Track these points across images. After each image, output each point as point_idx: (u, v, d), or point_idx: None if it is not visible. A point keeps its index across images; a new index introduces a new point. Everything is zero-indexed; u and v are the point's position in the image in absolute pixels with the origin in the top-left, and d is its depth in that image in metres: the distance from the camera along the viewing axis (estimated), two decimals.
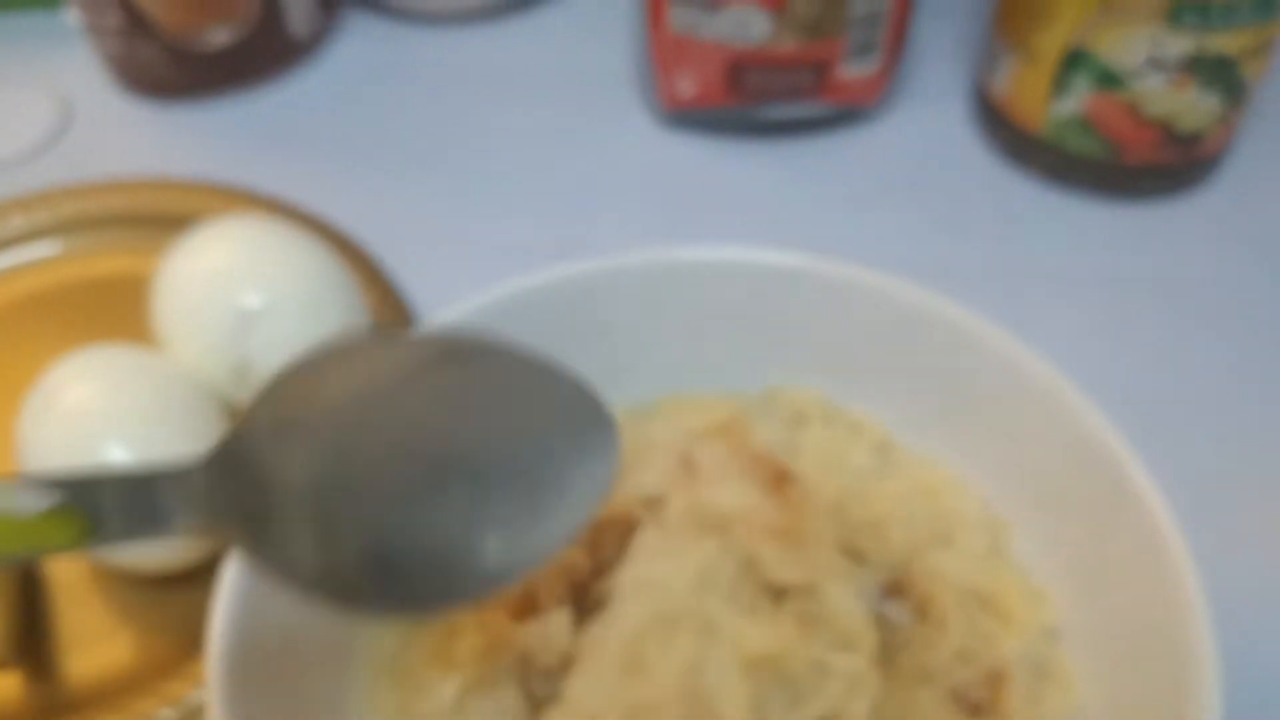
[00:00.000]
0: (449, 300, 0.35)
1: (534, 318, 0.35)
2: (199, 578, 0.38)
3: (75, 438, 0.37)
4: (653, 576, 0.30)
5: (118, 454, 0.36)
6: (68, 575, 0.39)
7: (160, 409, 0.37)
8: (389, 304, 0.46)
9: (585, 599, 0.31)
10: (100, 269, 0.49)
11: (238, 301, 0.39)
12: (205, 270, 0.40)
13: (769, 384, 0.37)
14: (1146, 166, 0.49)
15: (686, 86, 0.51)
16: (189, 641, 0.37)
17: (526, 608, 0.31)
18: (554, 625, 0.30)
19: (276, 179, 0.50)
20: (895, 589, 0.32)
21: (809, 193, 0.52)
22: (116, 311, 0.44)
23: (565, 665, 0.30)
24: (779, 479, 0.31)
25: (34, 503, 0.24)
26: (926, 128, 0.54)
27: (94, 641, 0.38)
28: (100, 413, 0.37)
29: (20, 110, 0.56)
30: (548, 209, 0.52)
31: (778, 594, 0.30)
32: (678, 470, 0.32)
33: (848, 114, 0.54)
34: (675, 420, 0.35)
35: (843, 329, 0.35)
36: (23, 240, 0.49)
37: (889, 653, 0.30)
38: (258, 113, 0.56)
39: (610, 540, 0.32)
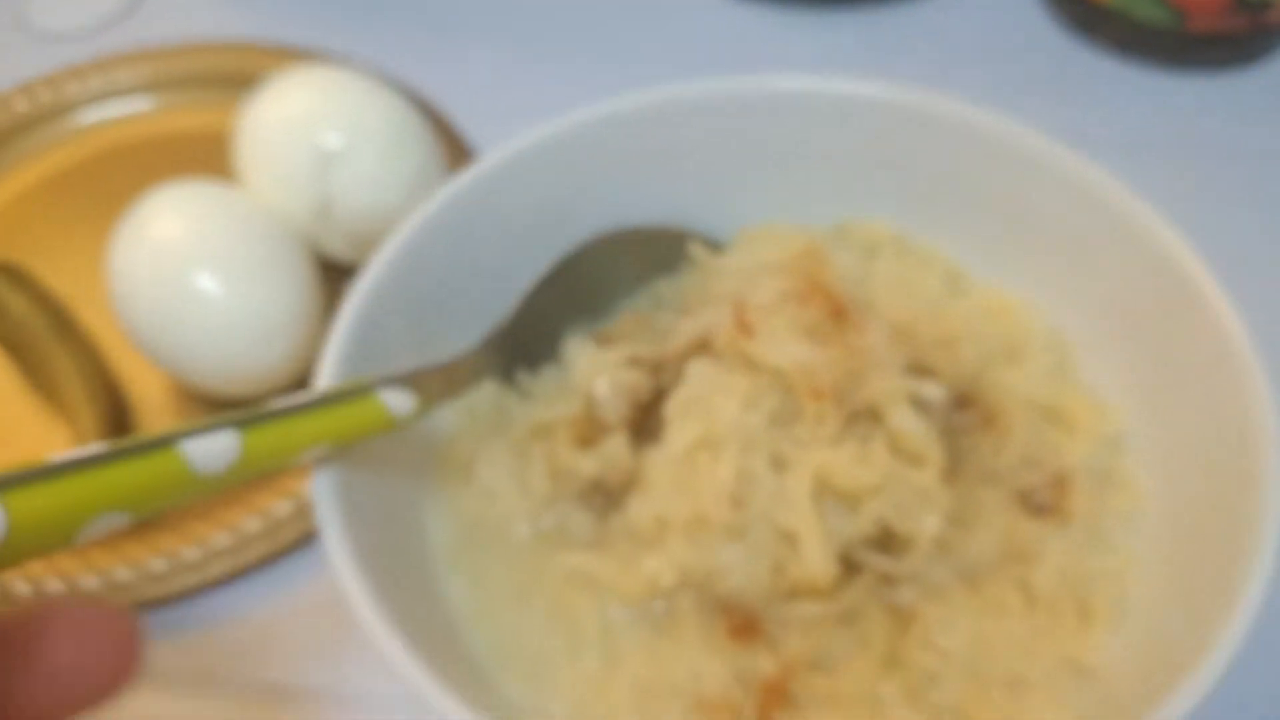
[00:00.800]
0: None
1: (612, 144, 0.36)
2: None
3: (164, 267, 0.38)
4: (700, 397, 0.31)
5: (205, 283, 0.37)
6: (150, 393, 0.41)
7: (245, 241, 0.39)
8: (455, 149, 0.47)
9: (647, 421, 0.32)
10: (181, 124, 0.50)
11: (318, 143, 0.40)
12: (286, 114, 0.41)
13: (842, 218, 0.37)
14: (1213, 35, 0.49)
15: None
16: None
17: (593, 432, 0.32)
18: (614, 447, 0.31)
19: (340, 42, 0.52)
20: (964, 401, 0.33)
21: (877, 63, 0.52)
22: (199, 160, 0.45)
23: (628, 484, 0.31)
24: (837, 313, 0.32)
25: (399, 401, 0.29)
26: None
27: None
28: (188, 243, 0.38)
29: None
30: (609, 75, 0.52)
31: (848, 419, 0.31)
32: (729, 317, 0.32)
33: None
34: (750, 252, 0.36)
35: (916, 159, 0.36)
36: (106, 97, 0.51)
37: (955, 458, 0.31)
38: None
39: (671, 369, 0.33)
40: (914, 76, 0.50)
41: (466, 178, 0.34)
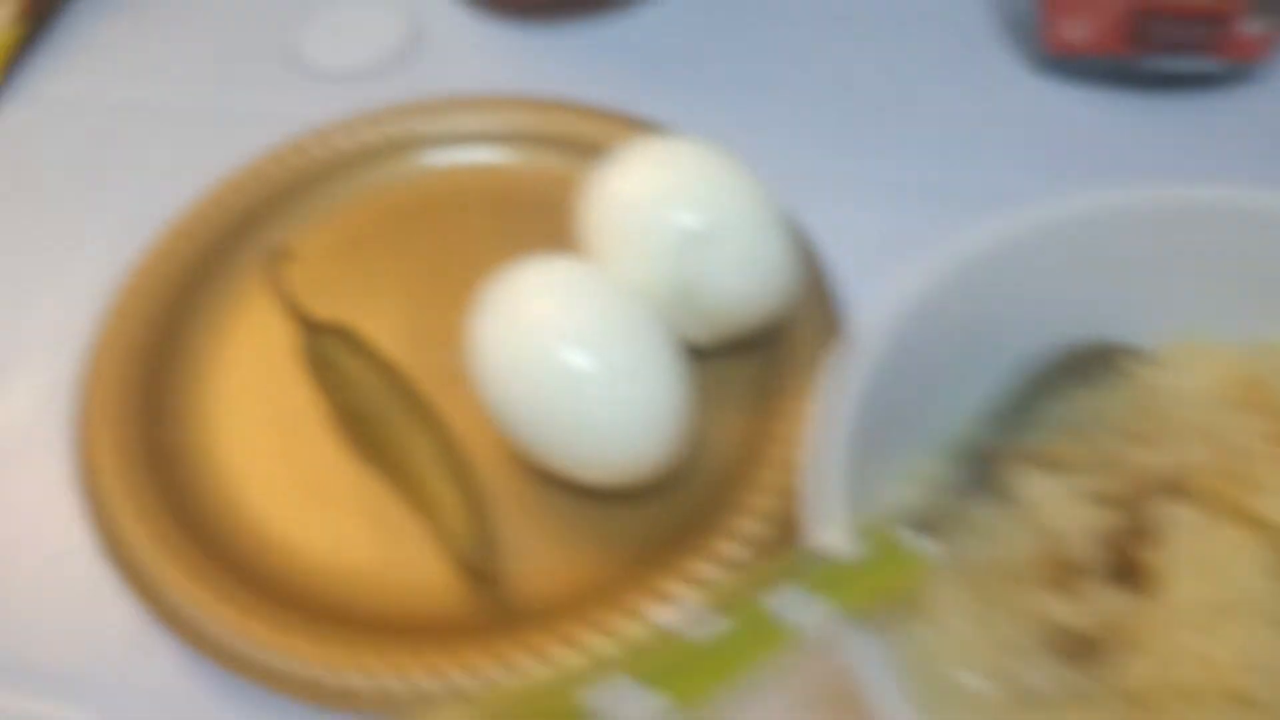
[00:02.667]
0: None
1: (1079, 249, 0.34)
2: (639, 497, 0.38)
3: (537, 344, 0.36)
4: (1206, 554, 0.28)
5: (579, 361, 0.36)
6: (510, 484, 0.39)
7: (622, 322, 0.37)
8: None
9: (1120, 565, 0.30)
10: (509, 180, 0.49)
11: (682, 223, 0.38)
12: (646, 188, 0.39)
13: (1256, 333, 0.35)
14: None
15: (1078, 31, 0.50)
16: (637, 556, 0.37)
17: (1063, 574, 0.30)
18: (1102, 596, 0.29)
19: (627, 102, 0.50)
20: None
21: (1189, 150, 0.50)
22: (530, 225, 0.44)
23: (1110, 636, 0.29)
24: None
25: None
26: None
27: (540, 550, 0.38)
28: (560, 322, 0.36)
29: (369, 25, 0.56)
30: (914, 147, 0.50)
31: None
32: (1209, 452, 0.30)
33: (1233, 72, 0.51)
34: (1191, 373, 0.33)
35: None
36: (424, 146, 0.49)
37: None
38: (604, 36, 0.55)
39: (1146, 506, 0.30)
40: (1229, 169, 0.49)
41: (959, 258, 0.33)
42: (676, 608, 0.35)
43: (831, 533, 0.26)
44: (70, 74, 0.56)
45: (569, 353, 0.36)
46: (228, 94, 0.54)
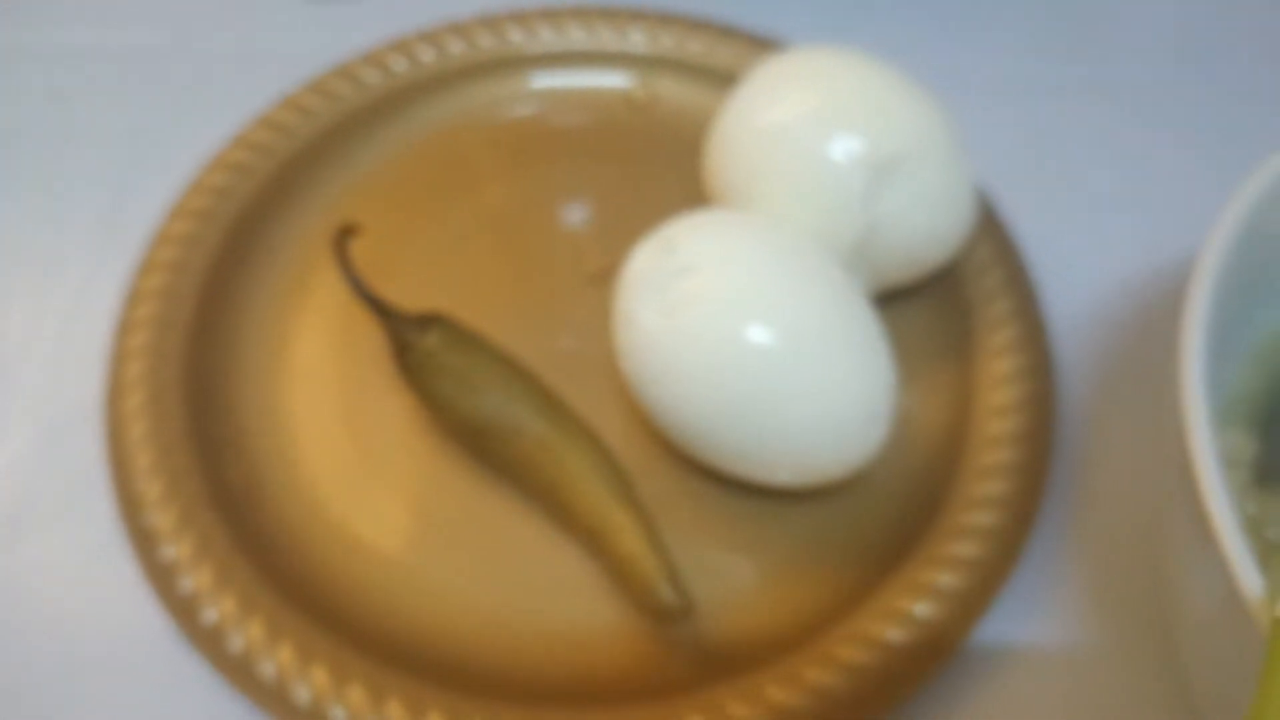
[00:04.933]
0: None
1: None
2: (839, 495, 0.32)
3: (713, 324, 0.29)
4: None
5: (769, 339, 0.28)
6: (681, 498, 0.32)
7: (806, 289, 0.30)
8: None
9: None
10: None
11: (860, 155, 0.31)
12: (805, 118, 0.32)
13: None
14: None
15: None
16: (851, 569, 0.30)
17: None
18: None
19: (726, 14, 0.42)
20: None
21: None
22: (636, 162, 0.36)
23: None
24: None
25: None
26: None
27: (730, 575, 0.31)
28: (740, 294, 0.29)
29: None
30: (1047, 40, 0.44)
31: None
32: None
33: None
34: None
35: None
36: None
37: None
38: None
39: None
40: None
41: None
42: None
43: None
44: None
45: (756, 331, 0.28)
46: (227, 32, 0.44)
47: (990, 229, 0.36)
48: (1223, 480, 0.22)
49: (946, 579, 0.29)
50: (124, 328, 0.33)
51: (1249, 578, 0.21)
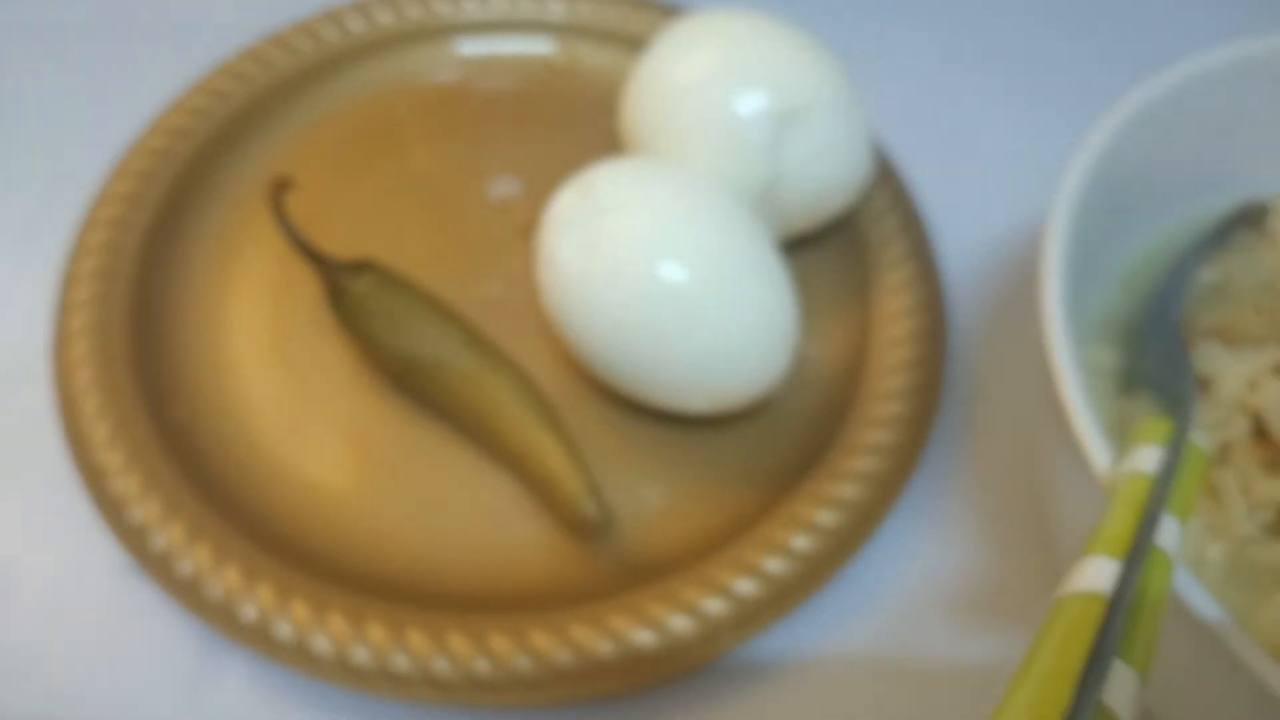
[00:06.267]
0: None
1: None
2: (749, 420, 0.34)
3: (627, 260, 0.31)
4: None
5: (681, 275, 0.31)
6: (601, 424, 0.34)
7: (714, 227, 0.32)
8: None
9: None
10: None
11: (765, 106, 0.34)
12: (713, 73, 0.34)
13: None
14: None
15: None
16: (761, 485, 0.33)
17: (1273, 454, 0.28)
18: None
19: None
20: None
21: None
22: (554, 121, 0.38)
23: None
24: None
25: None
26: None
27: (647, 494, 0.33)
28: (652, 232, 0.31)
29: None
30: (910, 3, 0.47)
31: None
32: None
33: None
34: None
35: None
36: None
37: None
38: None
39: None
40: None
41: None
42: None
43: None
44: None
45: (669, 267, 0.31)
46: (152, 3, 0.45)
47: (887, 178, 0.39)
48: (1078, 377, 0.25)
49: (848, 490, 0.32)
50: (69, 281, 0.35)
51: (1098, 454, 0.24)
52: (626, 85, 0.36)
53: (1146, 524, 0.18)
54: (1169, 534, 0.19)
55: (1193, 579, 0.22)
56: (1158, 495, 0.20)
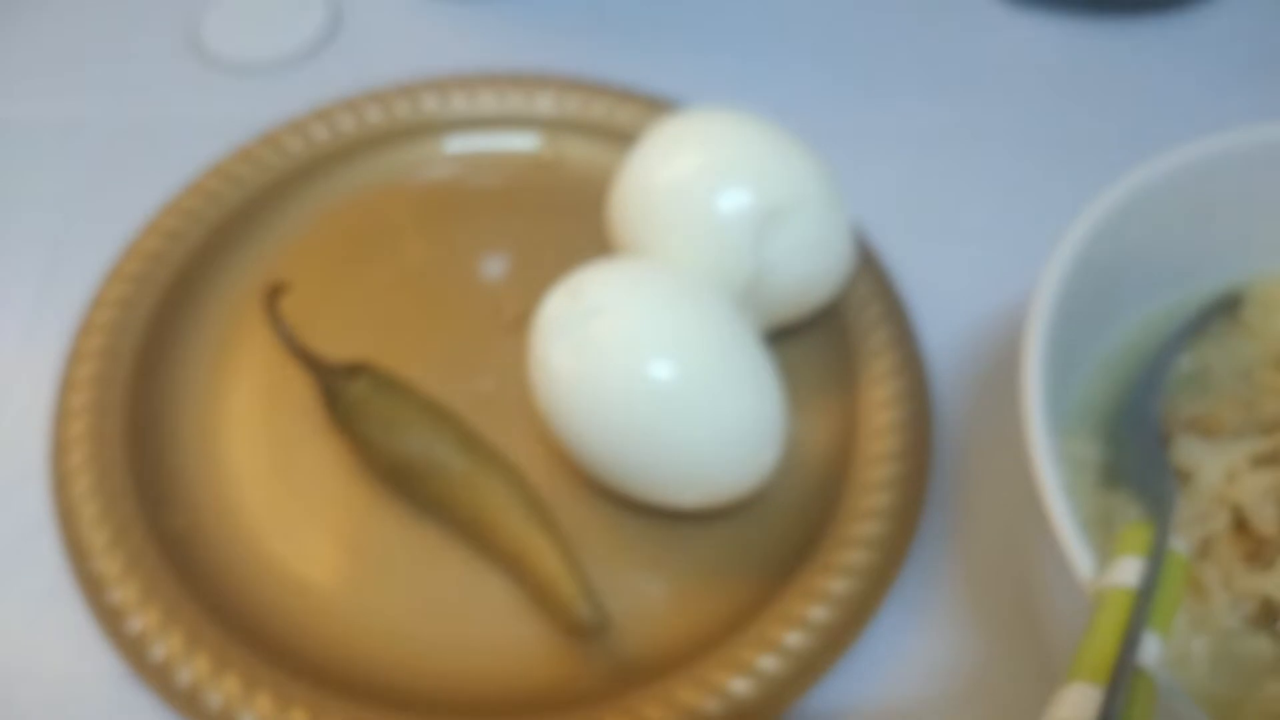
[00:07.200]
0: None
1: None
2: (739, 514, 0.35)
3: (618, 361, 0.32)
4: None
5: (670, 374, 0.31)
6: (593, 521, 0.35)
7: (701, 326, 0.33)
8: None
9: None
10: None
11: (749, 204, 0.34)
12: (697, 172, 0.35)
13: None
14: None
15: None
16: (754, 580, 0.33)
17: (1254, 546, 0.28)
18: None
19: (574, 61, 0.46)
20: None
21: (1162, 73, 0.49)
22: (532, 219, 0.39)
23: None
24: None
25: None
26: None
27: (643, 591, 0.33)
28: (641, 333, 0.32)
29: (291, 11, 0.49)
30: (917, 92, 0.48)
31: None
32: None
33: None
34: None
35: None
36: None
37: None
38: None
39: None
40: (1206, 89, 0.49)
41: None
42: None
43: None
44: None
45: (658, 367, 0.31)
46: (130, 100, 0.46)
47: (869, 267, 0.39)
48: (1058, 475, 0.26)
49: (839, 585, 0.32)
50: (66, 386, 0.35)
51: (1081, 559, 0.25)
52: (614, 185, 0.37)
53: (1128, 646, 0.19)
54: (1151, 652, 0.19)
55: (1178, 690, 0.22)
56: (1138, 614, 0.20)
